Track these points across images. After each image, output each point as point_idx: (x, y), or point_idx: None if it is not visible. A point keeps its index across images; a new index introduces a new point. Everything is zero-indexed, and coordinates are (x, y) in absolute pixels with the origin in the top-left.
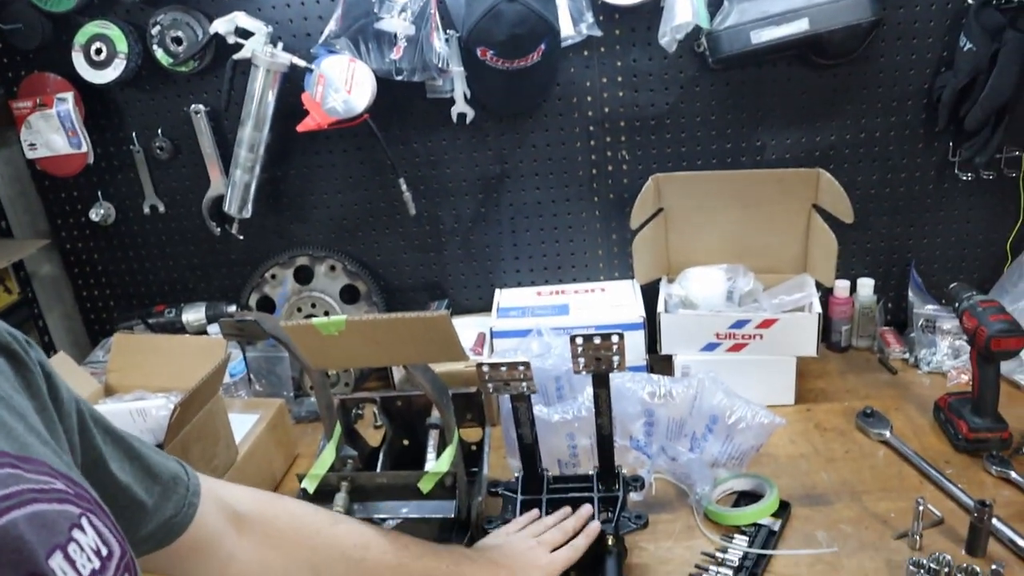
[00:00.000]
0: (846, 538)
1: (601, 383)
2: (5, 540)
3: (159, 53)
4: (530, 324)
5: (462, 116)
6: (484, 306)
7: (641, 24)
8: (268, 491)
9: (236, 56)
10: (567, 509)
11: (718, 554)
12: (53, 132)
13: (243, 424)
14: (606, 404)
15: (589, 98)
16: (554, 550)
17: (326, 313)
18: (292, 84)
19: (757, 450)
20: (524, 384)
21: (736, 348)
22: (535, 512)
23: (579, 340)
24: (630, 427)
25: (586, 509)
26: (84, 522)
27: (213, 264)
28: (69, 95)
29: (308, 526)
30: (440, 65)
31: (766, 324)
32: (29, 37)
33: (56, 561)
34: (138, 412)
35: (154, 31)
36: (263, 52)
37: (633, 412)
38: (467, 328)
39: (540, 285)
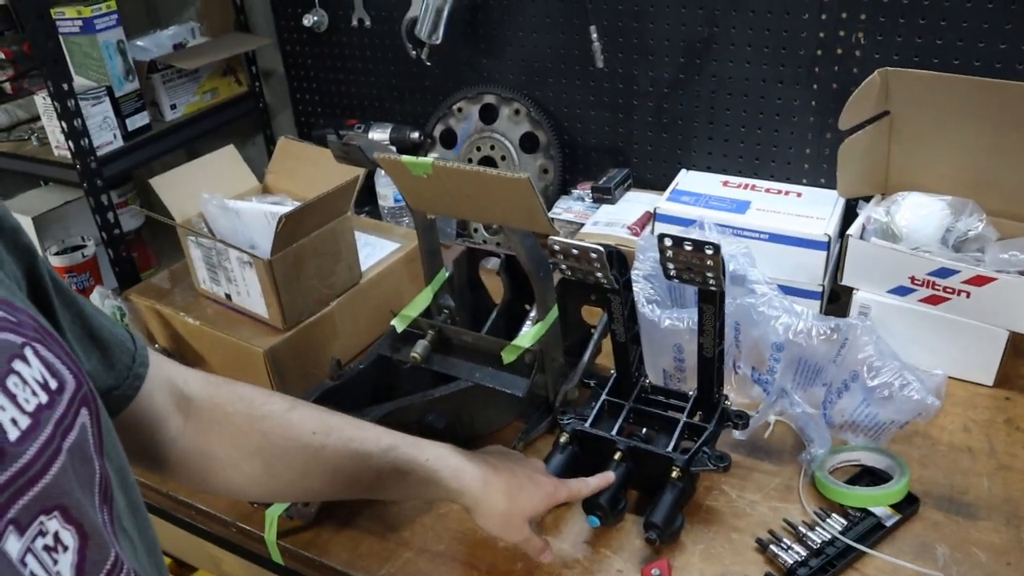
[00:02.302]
0: (974, 566)
1: (706, 298)
2: None
3: None
4: (698, 214)
5: None
6: (666, 184)
7: None
8: (222, 377)
9: None
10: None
11: (801, 528)
12: None
13: (381, 250)
14: (711, 323)
15: None
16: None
17: (503, 158)
18: None
19: (900, 427)
20: (600, 275)
21: (933, 300)
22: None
23: (667, 242)
24: (765, 356)
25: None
26: (28, 352)
27: (408, 88)
28: None
29: (260, 411)
30: None
31: (978, 281)
32: None
33: None
34: (271, 215)
35: None
36: None
37: (771, 342)
38: (637, 203)
39: (731, 174)
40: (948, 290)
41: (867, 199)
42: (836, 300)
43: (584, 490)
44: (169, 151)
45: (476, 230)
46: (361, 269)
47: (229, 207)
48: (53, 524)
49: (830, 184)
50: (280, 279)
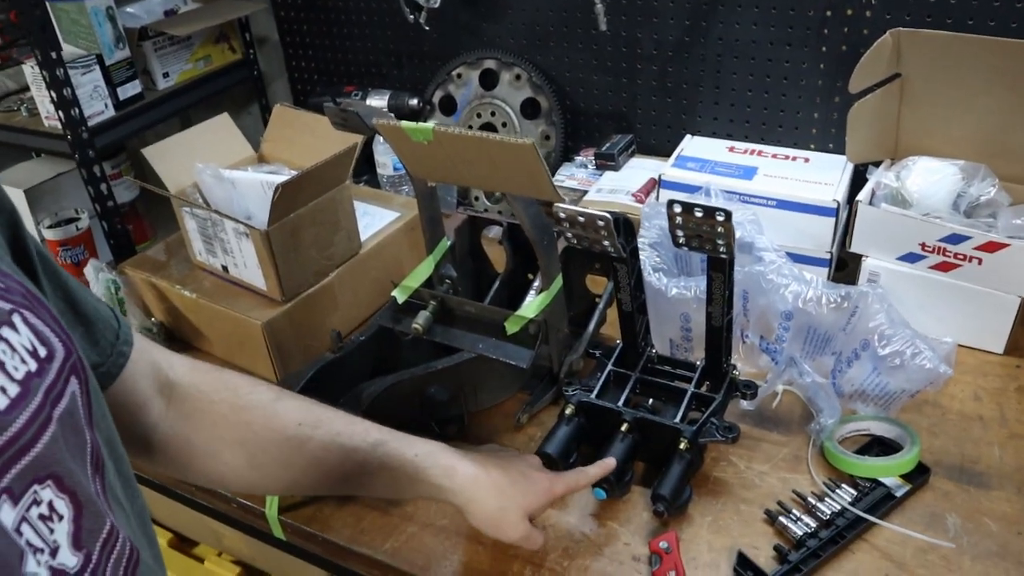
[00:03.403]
0: (985, 536)
1: (716, 266)
2: None
3: None
4: (704, 181)
5: None
6: (671, 150)
7: None
8: (209, 363)
9: None
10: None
11: (810, 499)
12: None
13: (380, 219)
14: (720, 291)
15: None
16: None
17: (504, 124)
18: None
19: (911, 396)
20: (606, 243)
21: (944, 267)
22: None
23: (677, 208)
24: (773, 325)
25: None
26: (16, 319)
27: (407, 54)
28: None
29: (245, 401)
30: None
31: (990, 247)
32: None
33: None
34: (268, 184)
35: None
36: None
37: (780, 310)
38: (641, 170)
39: (737, 140)
40: (959, 256)
41: (877, 164)
42: (843, 268)
43: (582, 480)
44: (162, 120)
45: (477, 198)
46: (360, 239)
47: (224, 177)
48: (47, 493)
49: (839, 149)
50: (278, 250)
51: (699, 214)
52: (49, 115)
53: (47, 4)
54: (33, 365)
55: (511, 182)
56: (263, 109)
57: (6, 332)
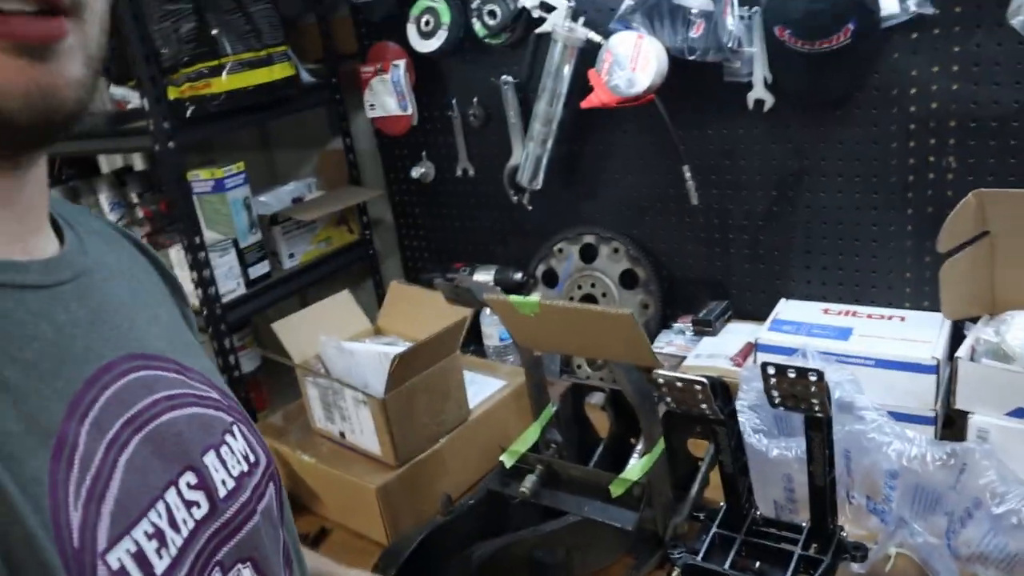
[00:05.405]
0: None
1: (813, 425)
2: (166, 434)
3: (477, 25)
4: (800, 343)
5: (759, 103)
6: (766, 314)
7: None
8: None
9: (538, 30)
10: None
11: None
12: (387, 95)
13: (487, 387)
14: (820, 450)
15: (913, 90)
16: None
17: (604, 295)
18: (589, 60)
19: None
20: (704, 406)
21: None
22: None
23: (770, 370)
24: (879, 484)
25: None
26: (236, 430)
27: (511, 231)
28: (402, 62)
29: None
30: (731, 45)
31: None
32: (378, 9)
33: (209, 459)
34: (384, 356)
35: (473, 4)
36: (561, 26)
37: (885, 469)
38: (738, 335)
39: (831, 302)
40: None
41: (974, 320)
42: (951, 425)
43: None
44: (285, 297)
45: (580, 366)
46: (469, 406)
47: (344, 348)
48: (247, 573)
49: (934, 306)
50: (393, 417)
51: (792, 375)
52: (188, 293)
53: (194, 196)
54: (245, 467)
55: (612, 350)
56: (376, 285)
57: (228, 438)
